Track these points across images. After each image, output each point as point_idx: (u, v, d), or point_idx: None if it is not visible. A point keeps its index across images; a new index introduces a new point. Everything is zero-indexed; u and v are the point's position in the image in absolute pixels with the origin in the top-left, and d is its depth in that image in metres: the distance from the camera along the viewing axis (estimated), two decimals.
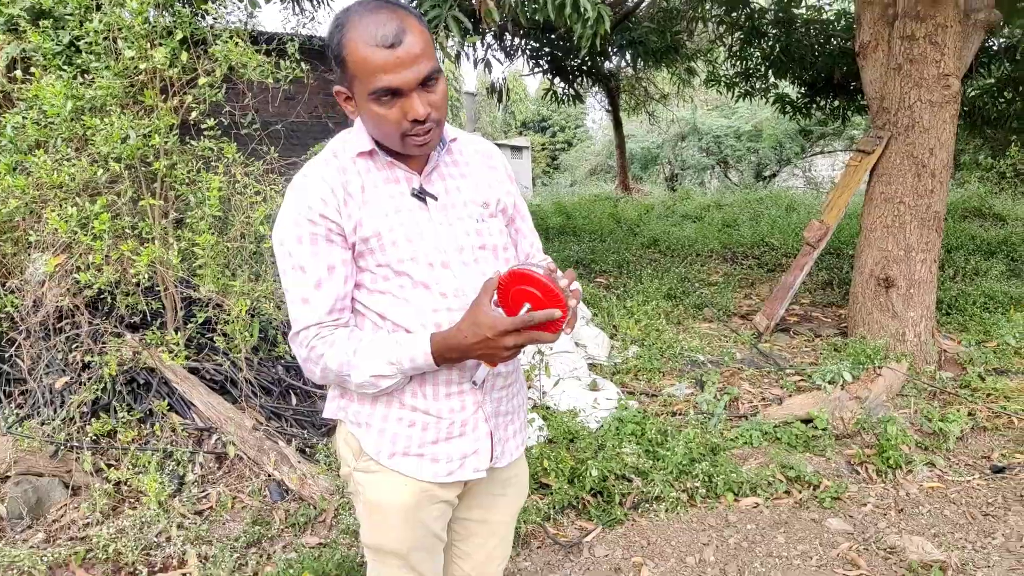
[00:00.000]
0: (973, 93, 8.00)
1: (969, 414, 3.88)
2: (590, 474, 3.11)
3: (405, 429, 1.40)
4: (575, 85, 10.60)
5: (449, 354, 1.29)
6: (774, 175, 19.07)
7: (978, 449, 3.61)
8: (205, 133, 3.53)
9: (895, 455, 3.37)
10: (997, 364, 4.63)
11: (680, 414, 4.08)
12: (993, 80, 7.96)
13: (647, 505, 3.12)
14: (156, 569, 2.69)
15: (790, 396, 4.24)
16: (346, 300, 1.36)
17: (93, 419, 3.31)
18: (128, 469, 3.15)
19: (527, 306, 1.23)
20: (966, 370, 4.57)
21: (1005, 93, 7.82)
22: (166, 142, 3.43)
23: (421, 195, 1.37)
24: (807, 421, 3.83)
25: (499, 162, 1.53)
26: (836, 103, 9.22)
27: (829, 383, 4.27)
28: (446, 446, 1.42)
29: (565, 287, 1.23)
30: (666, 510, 3.08)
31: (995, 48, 7.61)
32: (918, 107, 4.73)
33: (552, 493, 3.08)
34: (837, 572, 2.64)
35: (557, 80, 10.43)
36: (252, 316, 3.53)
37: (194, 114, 3.51)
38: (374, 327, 1.38)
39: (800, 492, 3.22)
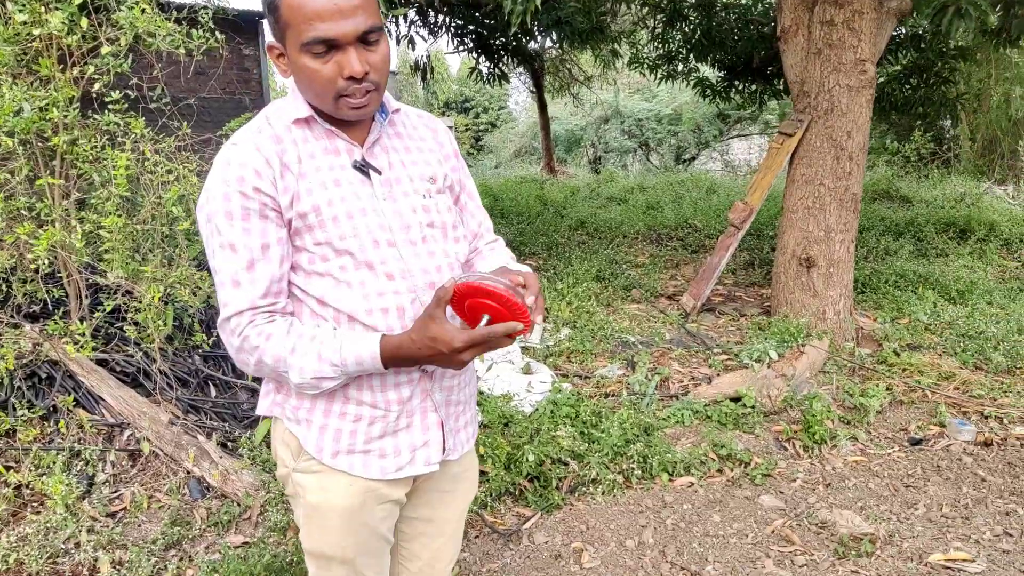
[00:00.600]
0: (882, 79, 8.34)
1: (887, 389, 4.05)
2: (526, 459, 3.07)
3: (349, 424, 1.30)
4: (500, 65, 10.46)
5: (400, 362, 1.21)
6: (693, 158, 19.53)
7: (896, 422, 3.77)
8: (110, 107, 3.26)
9: (820, 431, 3.48)
10: (910, 340, 4.86)
11: (613, 395, 4.09)
12: (900, 67, 8.33)
13: (584, 488, 3.10)
14: None
15: (719, 375, 4.32)
16: (282, 283, 1.24)
17: None
18: (30, 471, 2.91)
19: (486, 318, 1.17)
20: (882, 346, 4.77)
21: (911, 80, 8.20)
22: (66, 116, 3.15)
23: (363, 168, 1.26)
24: (736, 399, 3.91)
25: (445, 137, 1.43)
26: (754, 87, 9.45)
27: (756, 361, 4.36)
28: (393, 440, 1.33)
29: (531, 304, 1.16)
30: (603, 493, 3.07)
31: (902, 36, 7.95)
32: (837, 91, 4.87)
33: (488, 480, 3.02)
34: (773, 549, 2.70)
35: (482, 59, 10.27)
36: (165, 303, 3.31)
37: (97, 86, 3.23)
38: (313, 315, 1.26)
39: (732, 470, 3.27)
